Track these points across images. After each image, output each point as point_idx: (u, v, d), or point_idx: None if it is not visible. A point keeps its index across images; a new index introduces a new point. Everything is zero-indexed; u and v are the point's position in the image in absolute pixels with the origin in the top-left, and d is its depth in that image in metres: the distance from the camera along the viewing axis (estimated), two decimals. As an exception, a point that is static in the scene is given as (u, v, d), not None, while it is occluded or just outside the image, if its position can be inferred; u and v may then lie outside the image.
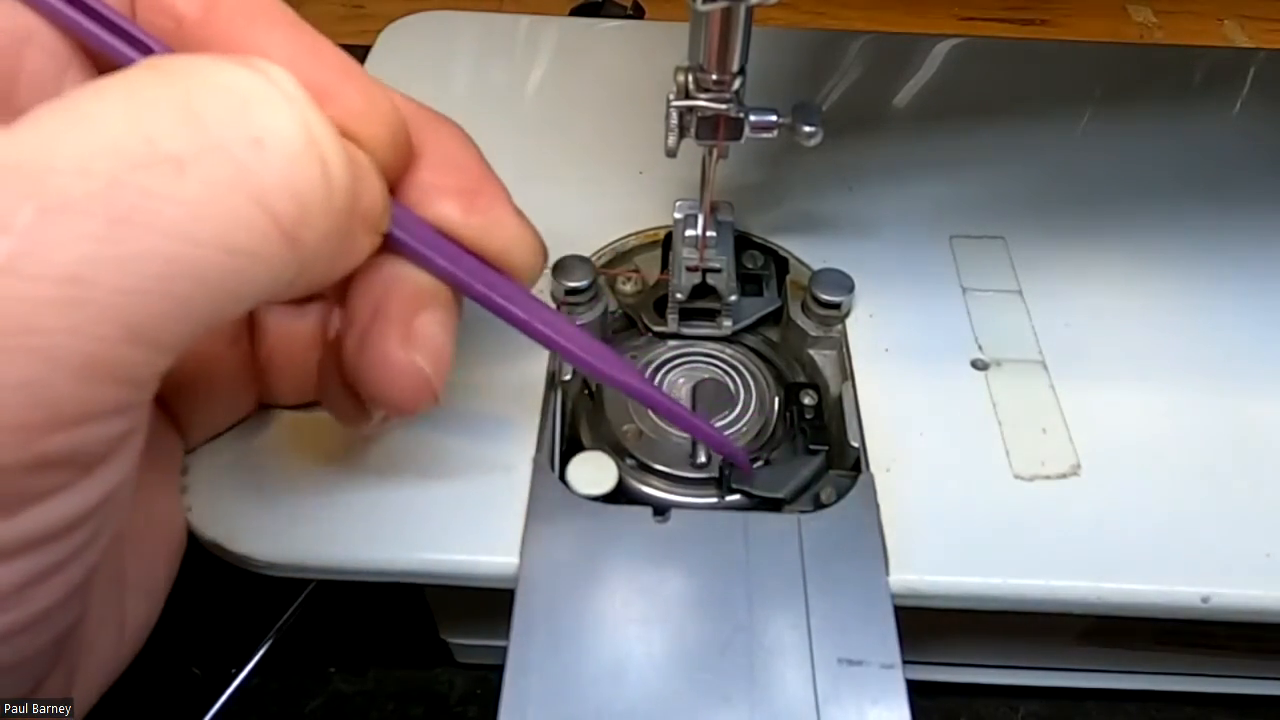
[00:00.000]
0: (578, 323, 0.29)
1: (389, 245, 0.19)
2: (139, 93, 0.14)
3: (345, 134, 0.17)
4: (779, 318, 0.31)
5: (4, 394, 0.12)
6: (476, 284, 0.20)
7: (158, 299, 0.13)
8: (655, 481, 0.26)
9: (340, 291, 0.20)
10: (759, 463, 0.27)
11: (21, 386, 0.12)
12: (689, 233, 0.28)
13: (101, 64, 0.19)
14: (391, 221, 0.18)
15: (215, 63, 0.15)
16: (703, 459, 0.26)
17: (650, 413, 0.28)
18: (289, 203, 0.14)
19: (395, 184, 0.19)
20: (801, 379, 0.29)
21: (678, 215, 0.30)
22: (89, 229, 0.13)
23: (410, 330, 0.19)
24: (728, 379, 0.29)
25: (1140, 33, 0.62)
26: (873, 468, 0.25)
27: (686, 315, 0.30)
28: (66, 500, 0.14)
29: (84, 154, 0.13)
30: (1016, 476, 0.25)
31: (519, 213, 0.20)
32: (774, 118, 0.25)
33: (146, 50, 0.17)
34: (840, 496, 0.24)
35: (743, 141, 0.25)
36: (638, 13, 0.54)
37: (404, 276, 0.19)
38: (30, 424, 0.13)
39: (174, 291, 0.13)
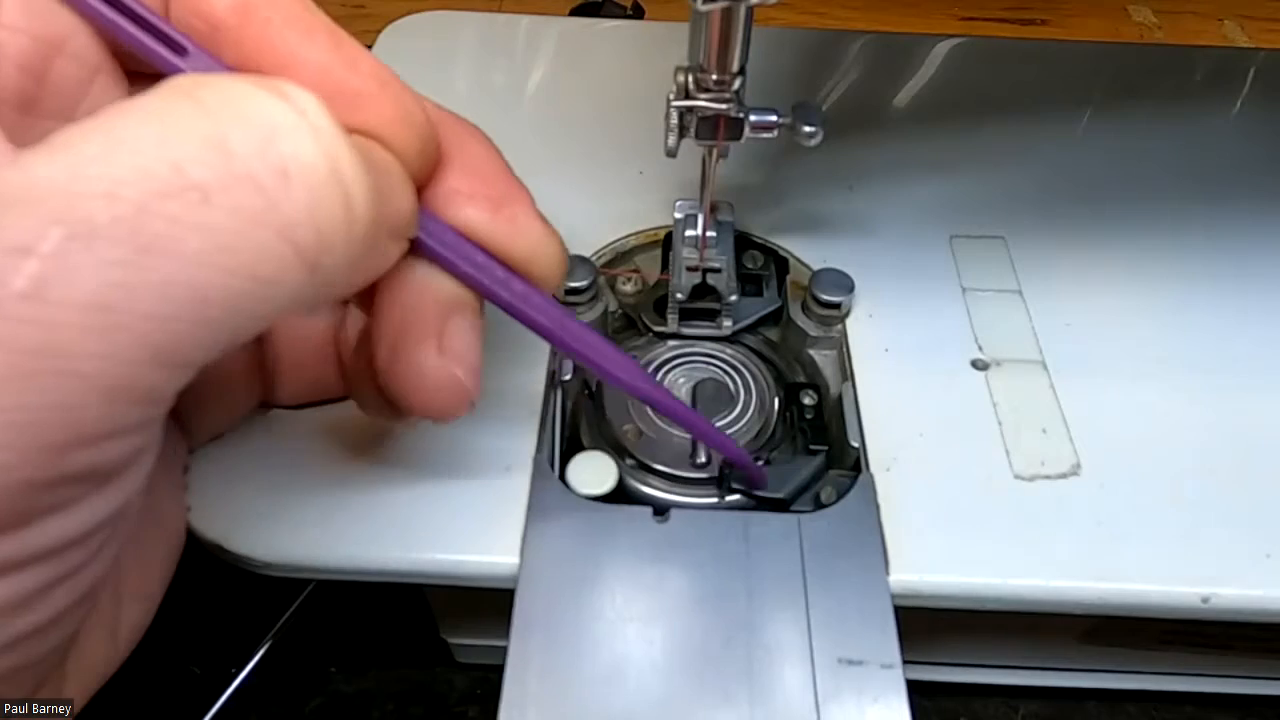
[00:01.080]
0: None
1: (416, 250, 0.19)
2: (169, 118, 0.14)
3: (377, 140, 0.17)
4: (779, 318, 0.31)
5: (34, 414, 0.12)
6: (501, 290, 0.20)
7: (182, 324, 0.13)
8: (655, 481, 0.26)
9: (364, 294, 0.20)
10: (759, 462, 0.27)
11: (51, 408, 0.13)
12: (689, 233, 0.28)
13: (131, 70, 0.19)
14: (419, 227, 0.18)
15: (245, 89, 0.14)
16: (703, 459, 0.26)
17: (652, 414, 0.28)
18: (310, 233, 0.14)
19: (422, 189, 0.19)
20: (801, 379, 0.29)
21: (678, 215, 0.30)
22: (116, 255, 0.13)
23: (443, 338, 0.19)
24: (728, 379, 0.29)
25: (1140, 33, 0.62)
26: (873, 468, 0.25)
27: (686, 315, 0.30)
28: (83, 511, 0.14)
29: (112, 179, 0.13)
30: (1016, 476, 0.25)
31: (544, 219, 0.20)
32: (774, 118, 0.25)
33: (179, 49, 0.17)
34: (840, 496, 0.24)
35: (743, 141, 0.25)
36: (638, 13, 0.54)
37: (432, 283, 0.19)
38: (57, 443, 0.13)
39: (197, 316, 0.14)
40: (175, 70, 0.17)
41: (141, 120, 0.14)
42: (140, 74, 0.19)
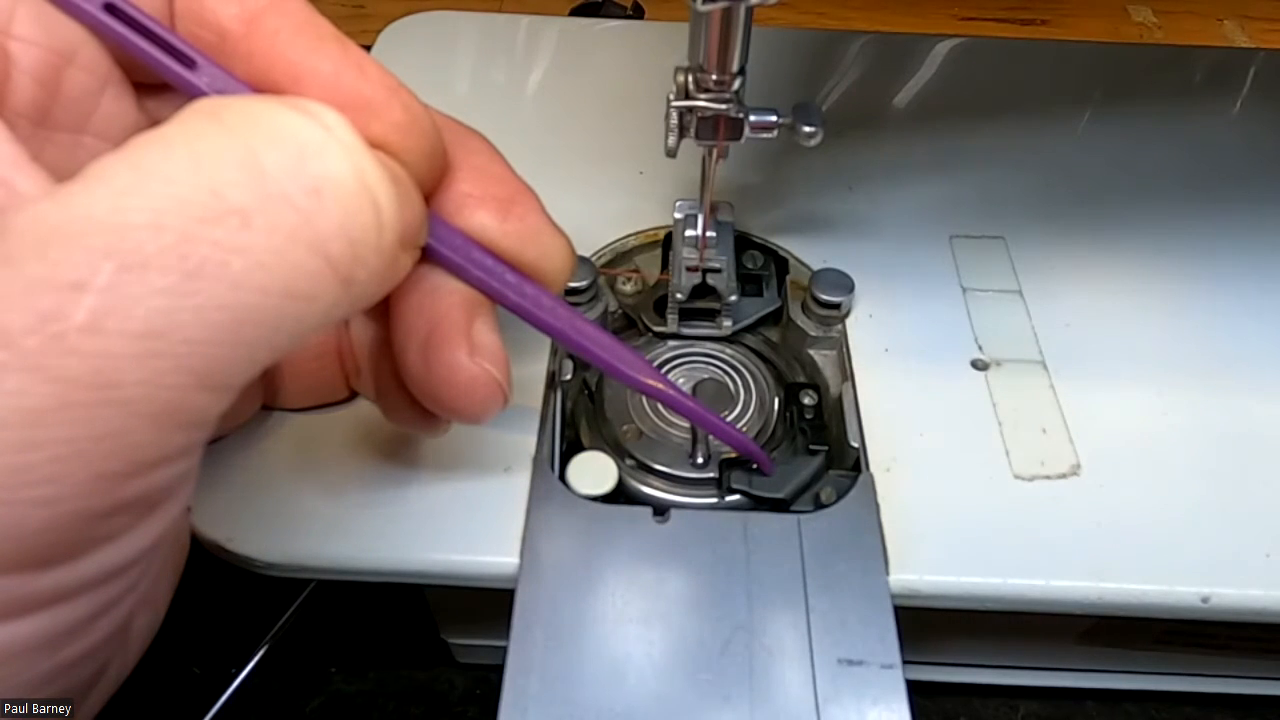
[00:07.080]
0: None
1: (426, 256, 0.19)
2: (200, 144, 0.14)
3: (385, 148, 0.17)
4: (779, 318, 0.31)
5: (89, 445, 0.13)
6: (511, 293, 0.20)
7: (226, 346, 0.14)
8: (655, 481, 0.26)
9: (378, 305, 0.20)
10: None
11: (105, 438, 0.13)
12: (689, 233, 0.28)
13: (137, 82, 0.19)
14: (430, 234, 0.18)
15: (270, 109, 0.15)
16: (701, 459, 0.26)
17: (652, 414, 0.28)
18: (344, 247, 0.15)
19: (431, 195, 0.19)
20: (801, 379, 0.29)
21: (678, 215, 0.30)
22: (164, 284, 0.13)
23: (471, 339, 0.19)
24: (728, 379, 0.29)
25: (1140, 33, 0.62)
26: (873, 468, 0.25)
27: (686, 315, 0.30)
28: (130, 540, 0.14)
29: (155, 209, 0.13)
30: (1016, 476, 0.25)
31: (552, 220, 0.21)
32: (774, 118, 0.25)
33: (188, 62, 0.17)
34: (840, 496, 0.24)
35: (743, 141, 0.25)
36: (638, 13, 0.54)
37: (451, 287, 0.19)
38: (110, 473, 0.13)
39: (240, 338, 0.14)
40: (185, 83, 0.17)
41: (173, 148, 0.14)
42: (146, 85, 0.19)
